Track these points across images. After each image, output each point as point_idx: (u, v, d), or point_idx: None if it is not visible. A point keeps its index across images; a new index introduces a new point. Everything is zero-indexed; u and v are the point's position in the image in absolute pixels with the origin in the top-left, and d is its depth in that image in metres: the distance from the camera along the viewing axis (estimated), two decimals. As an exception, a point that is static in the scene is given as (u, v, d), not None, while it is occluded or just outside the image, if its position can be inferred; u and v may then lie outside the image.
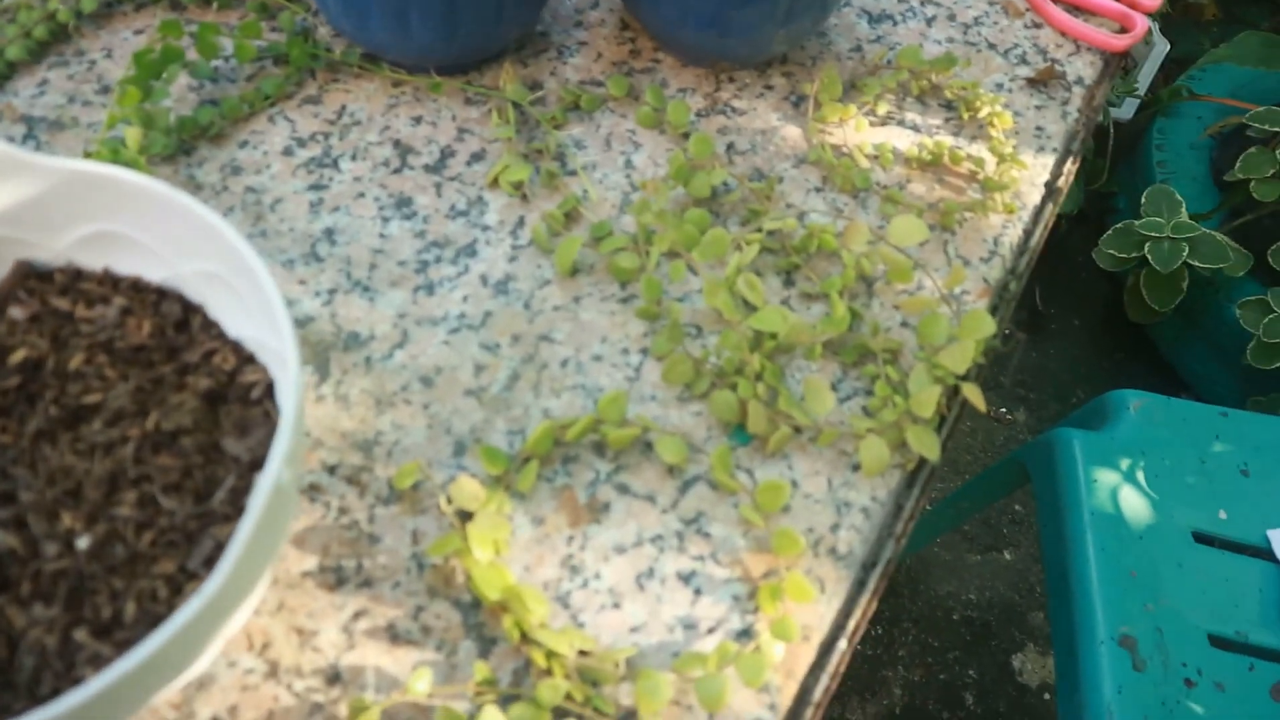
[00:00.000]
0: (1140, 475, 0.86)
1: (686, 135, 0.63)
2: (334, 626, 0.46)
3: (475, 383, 0.53)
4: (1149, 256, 1.31)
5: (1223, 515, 0.85)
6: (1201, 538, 0.84)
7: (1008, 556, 1.40)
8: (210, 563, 0.39)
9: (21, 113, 0.61)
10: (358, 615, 0.46)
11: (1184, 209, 1.33)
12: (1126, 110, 1.61)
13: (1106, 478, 0.85)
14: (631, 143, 0.63)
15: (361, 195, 0.59)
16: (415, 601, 0.47)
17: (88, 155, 0.55)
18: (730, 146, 0.63)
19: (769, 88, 0.67)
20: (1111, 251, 1.36)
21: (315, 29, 0.66)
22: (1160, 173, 1.49)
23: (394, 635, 0.46)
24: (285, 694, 0.44)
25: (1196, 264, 1.30)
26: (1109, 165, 1.59)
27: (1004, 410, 1.54)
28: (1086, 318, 1.65)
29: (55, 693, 0.36)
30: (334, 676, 0.45)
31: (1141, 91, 1.58)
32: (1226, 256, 1.29)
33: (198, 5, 0.66)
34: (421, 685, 0.44)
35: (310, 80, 0.64)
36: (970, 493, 1.09)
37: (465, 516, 0.48)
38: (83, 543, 0.39)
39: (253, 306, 0.43)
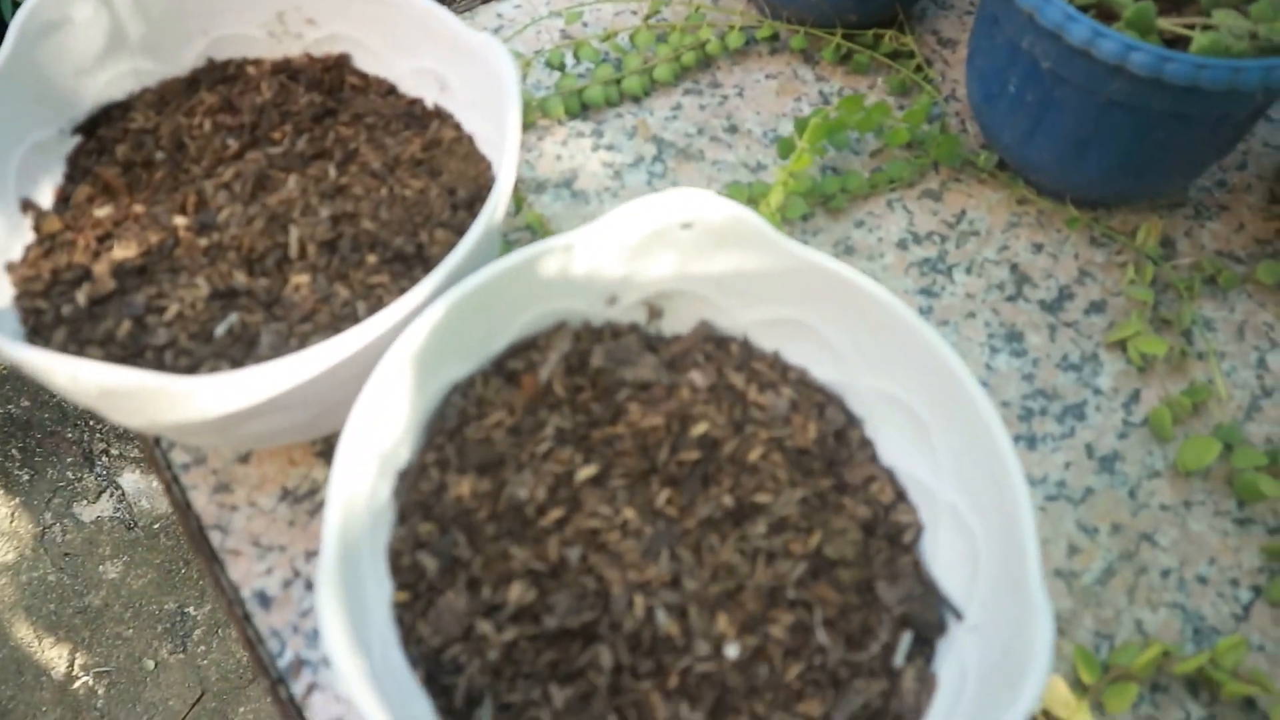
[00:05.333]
0: None
1: (1336, 349, 0.56)
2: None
3: (1067, 565, 0.48)
4: None
5: None
6: None
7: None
8: (855, 721, 0.36)
9: (654, 133, 0.61)
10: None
11: None
12: None
13: None
14: (1268, 339, 0.56)
15: (972, 315, 0.55)
16: (973, 793, 0.43)
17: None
18: (1381, 374, 0.55)
19: None
20: None
21: (947, 118, 0.63)
22: None
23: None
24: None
25: None
26: None
27: None
28: None
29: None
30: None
31: None
32: None
33: (831, 63, 0.65)
34: None
35: (933, 173, 0.61)
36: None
37: (1045, 716, 0.44)
38: (731, 651, 0.37)
39: (938, 449, 0.40)
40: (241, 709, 1.23)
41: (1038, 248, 0.58)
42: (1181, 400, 0.52)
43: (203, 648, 1.28)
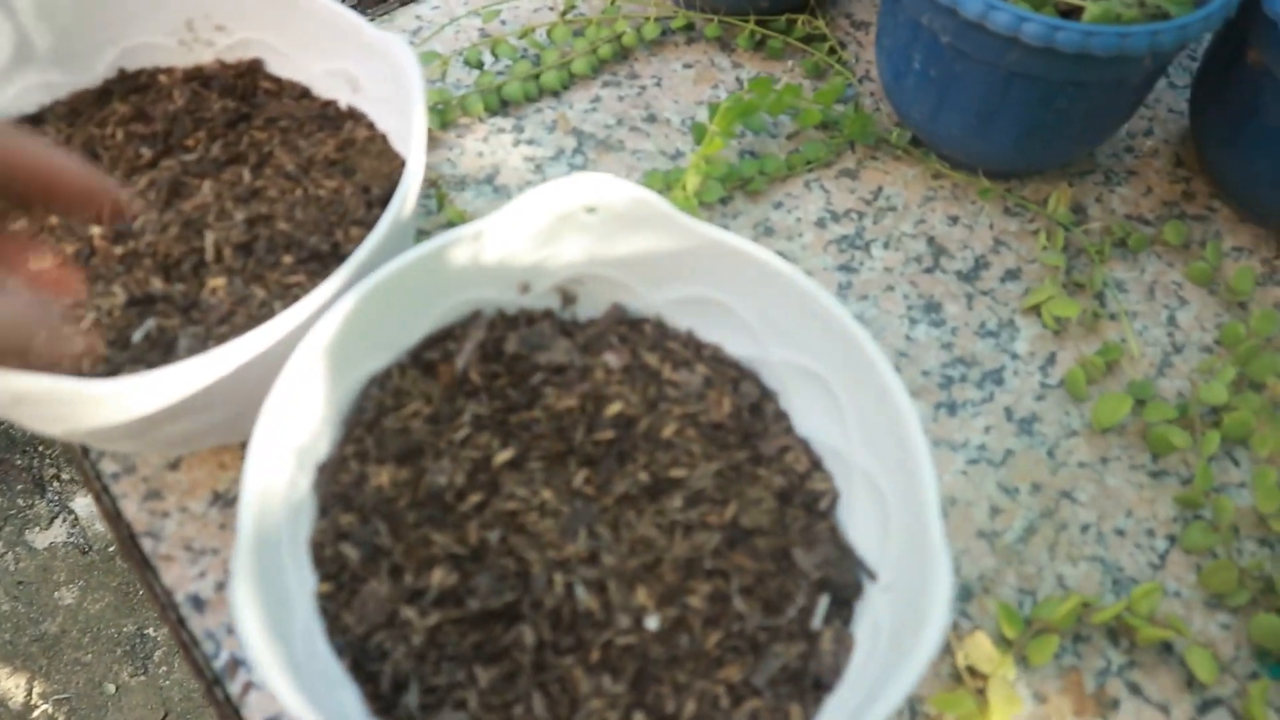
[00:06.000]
0: None
1: (1242, 305, 0.57)
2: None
3: (990, 526, 0.49)
4: None
5: None
6: None
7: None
8: (775, 684, 0.37)
9: (573, 126, 0.62)
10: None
11: None
12: None
13: None
14: (1177, 297, 0.58)
15: (891, 289, 0.56)
16: (903, 751, 0.44)
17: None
18: (1287, 326, 0.57)
19: (1336, 267, 0.60)
20: None
21: (861, 98, 0.64)
22: None
23: (878, 781, 0.43)
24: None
25: None
26: None
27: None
28: None
29: (606, 772, 0.36)
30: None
31: None
32: None
33: (747, 50, 0.66)
34: None
35: (849, 152, 0.62)
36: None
37: (971, 673, 0.45)
38: (651, 623, 0.38)
39: (849, 416, 0.41)
40: (206, 727, 1.23)
41: (953, 220, 0.59)
42: (1095, 360, 0.54)
43: (164, 668, 1.27)
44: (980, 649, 0.45)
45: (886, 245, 0.58)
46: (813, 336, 0.41)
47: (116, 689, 1.25)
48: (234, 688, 0.44)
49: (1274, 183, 0.56)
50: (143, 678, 1.26)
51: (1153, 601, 0.46)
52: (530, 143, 0.61)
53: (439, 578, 0.38)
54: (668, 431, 0.41)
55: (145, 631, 1.30)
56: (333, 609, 0.38)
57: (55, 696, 1.24)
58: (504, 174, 0.59)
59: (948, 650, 0.46)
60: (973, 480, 0.51)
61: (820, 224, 0.59)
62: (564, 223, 0.42)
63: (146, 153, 0.49)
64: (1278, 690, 0.46)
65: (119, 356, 0.42)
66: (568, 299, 0.45)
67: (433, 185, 0.57)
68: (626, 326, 0.45)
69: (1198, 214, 0.61)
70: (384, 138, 0.50)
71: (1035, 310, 0.56)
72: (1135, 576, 0.49)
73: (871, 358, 0.38)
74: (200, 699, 1.25)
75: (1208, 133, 0.59)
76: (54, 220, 0.47)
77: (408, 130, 0.48)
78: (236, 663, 0.44)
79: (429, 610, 0.37)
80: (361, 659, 0.37)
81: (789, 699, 0.37)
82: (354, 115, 0.51)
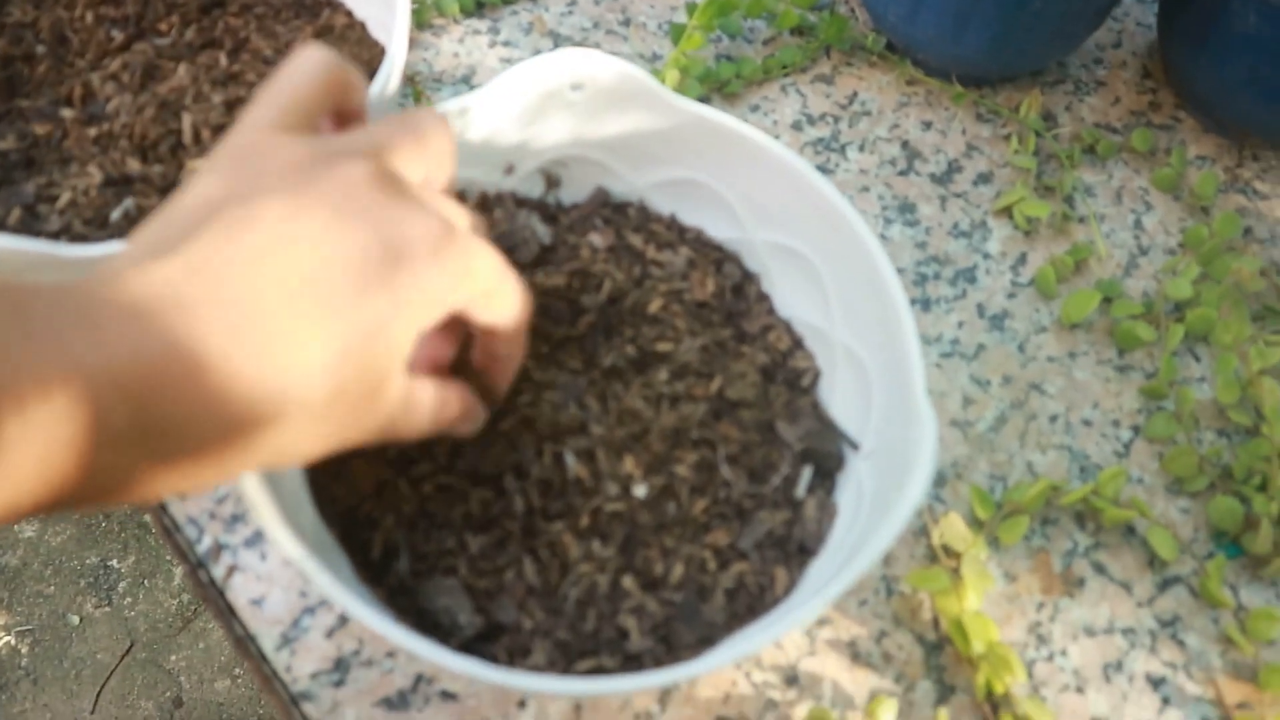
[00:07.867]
0: None
1: (1205, 209, 0.59)
2: (798, 628, 0.45)
3: (963, 415, 0.50)
4: None
5: None
6: None
7: None
8: (760, 548, 0.38)
9: (550, 28, 0.61)
10: (821, 623, 0.45)
11: None
12: None
13: None
14: (1143, 202, 0.59)
15: (866, 190, 0.57)
16: (880, 625, 0.45)
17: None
18: (1247, 232, 0.59)
19: (1295, 176, 0.61)
20: None
21: (836, 4, 0.64)
22: None
23: (854, 653, 0.44)
24: (743, 681, 0.43)
25: None
26: None
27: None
28: None
29: (596, 632, 0.36)
30: (792, 678, 0.44)
31: None
32: None
33: (723, -43, 0.66)
34: (888, 717, 0.42)
35: (824, 58, 0.62)
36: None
37: (945, 552, 0.46)
38: (640, 491, 0.38)
39: (830, 293, 0.42)
40: (173, 657, 1.23)
41: (927, 125, 0.60)
42: (1065, 260, 0.55)
43: (129, 599, 1.26)
44: (954, 529, 0.46)
45: (862, 148, 0.59)
46: (797, 214, 0.42)
47: (80, 620, 1.24)
48: (218, 571, 0.44)
49: (1238, 92, 0.57)
50: (107, 609, 1.25)
51: (1117, 485, 0.48)
52: (506, 44, 0.61)
53: (429, 451, 0.38)
54: (654, 307, 0.42)
55: (109, 563, 1.29)
56: (322, 480, 0.38)
57: (18, 628, 1.23)
58: (480, 74, 0.59)
59: (923, 531, 0.47)
60: (946, 373, 0.52)
61: (796, 127, 0.59)
62: (549, 100, 0.42)
63: (118, 35, 0.48)
64: (1233, 568, 0.48)
65: (97, 235, 0.42)
66: (551, 182, 0.45)
67: (409, 82, 0.57)
68: (610, 210, 0.45)
69: (1164, 123, 0.63)
70: (362, 25, 0.50)
71: (1007, 212, 0.57)
72: (1100, 464, 0.50)
73: (852, 224, 0.39)
74: (166, 629, 1.24)
75: (1175, 44, 0.60)
76: (24, 103, 0.46)
77: (386, 17, 0.47)
78: (220, 547, 0.45)
79: (420, 480, 0.38)
80: (351, 528, 0.37)
81: (774, 562, 0.38)
82: (331, 3, 0.51)
